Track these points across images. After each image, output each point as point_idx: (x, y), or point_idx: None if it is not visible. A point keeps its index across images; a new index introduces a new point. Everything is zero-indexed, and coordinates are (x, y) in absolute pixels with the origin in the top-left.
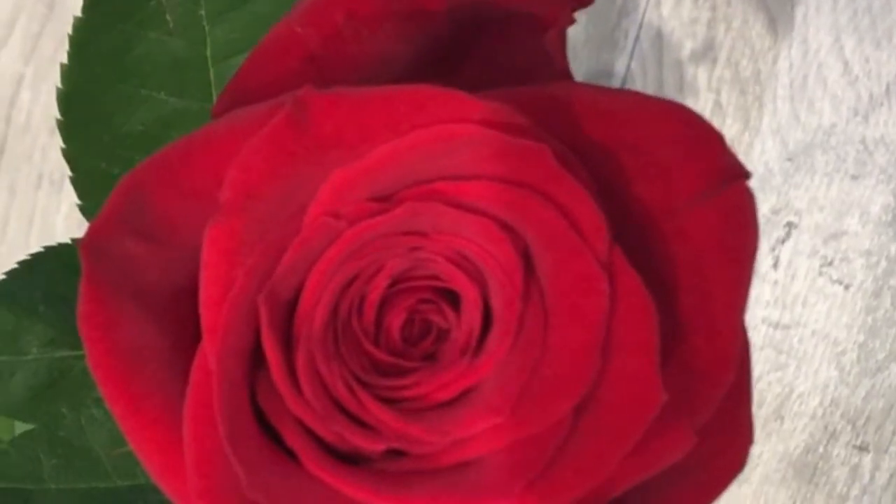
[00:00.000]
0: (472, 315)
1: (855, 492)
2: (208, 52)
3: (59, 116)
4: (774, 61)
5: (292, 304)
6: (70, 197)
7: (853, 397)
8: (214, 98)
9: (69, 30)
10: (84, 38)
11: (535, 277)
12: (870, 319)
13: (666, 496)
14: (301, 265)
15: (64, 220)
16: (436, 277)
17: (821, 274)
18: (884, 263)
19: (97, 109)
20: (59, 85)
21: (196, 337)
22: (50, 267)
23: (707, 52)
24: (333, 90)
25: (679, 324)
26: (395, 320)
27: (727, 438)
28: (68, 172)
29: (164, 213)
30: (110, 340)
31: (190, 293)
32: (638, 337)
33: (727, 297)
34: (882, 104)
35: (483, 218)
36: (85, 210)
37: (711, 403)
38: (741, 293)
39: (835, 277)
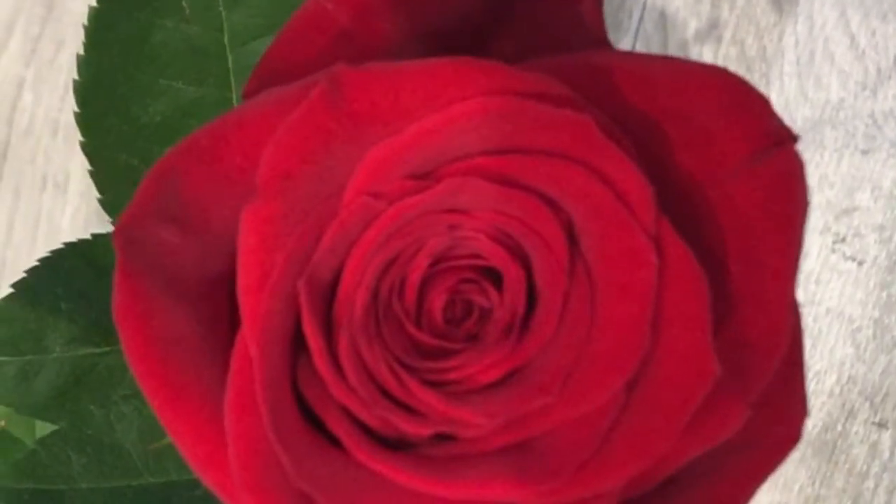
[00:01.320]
0: (515, 293)
1: (875, 469)
2: (226, 39)
3: (76, 109)
4: (780, 38)
5: (332, 288)
6: (75, 198)
7: (870, 374)
8: (233, 85)
9: (69, 31)
10: (100, 27)
11: (580, 252)
12: (884, 295)
13: (720, 472)
14: (340, 247)
15: (69, 222)
16: (477, 256)
17: (833, 251)
18: None
19: (114, 100)
20: (76, 76)
21: (233, 325)
22: (71, 264)
23: (712, 30)
24: (368, 66)
25: (729, 295)
26: (437, 301)
27: (781, 412)
28: (73, 173)
29: (198, 198)
30: (147, 331)
31: (226, 280)
32: (689, 310)
33: (778, 266)
34: (890, 77)
35: (525, 192)
36: (105, 204)
37: (764, 376)
38: (792, 261)
39: (848, 254)
